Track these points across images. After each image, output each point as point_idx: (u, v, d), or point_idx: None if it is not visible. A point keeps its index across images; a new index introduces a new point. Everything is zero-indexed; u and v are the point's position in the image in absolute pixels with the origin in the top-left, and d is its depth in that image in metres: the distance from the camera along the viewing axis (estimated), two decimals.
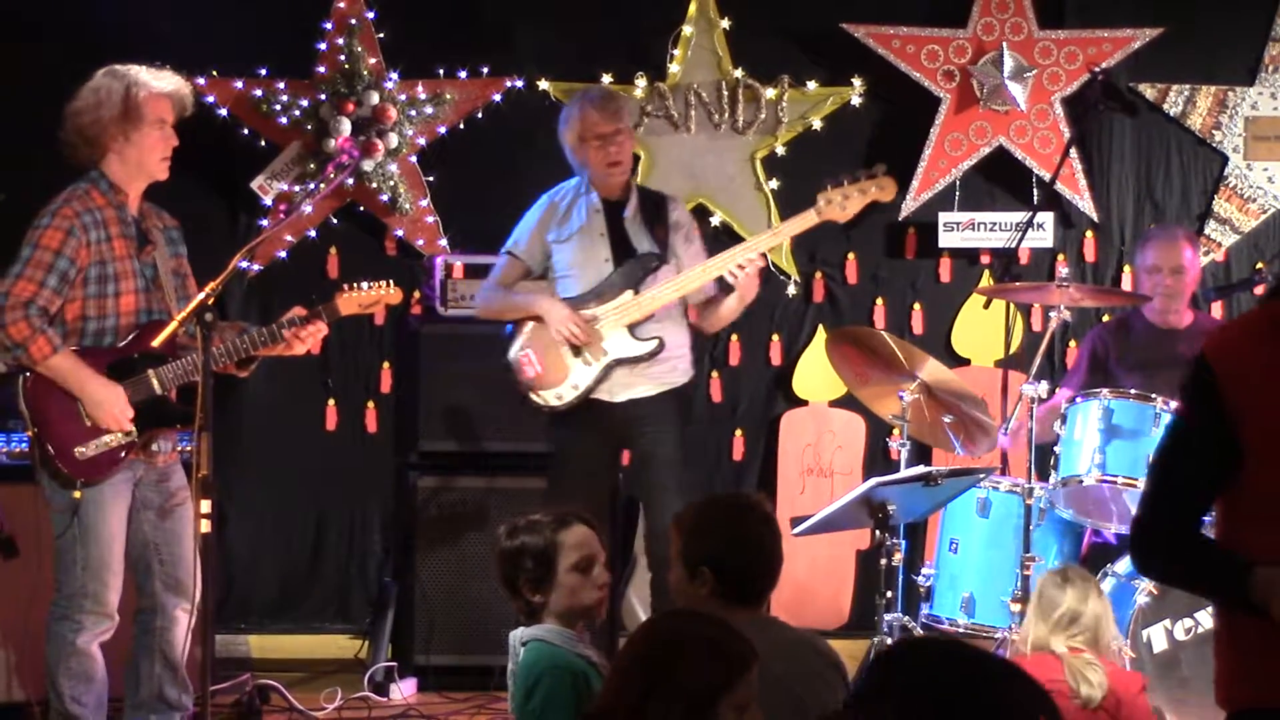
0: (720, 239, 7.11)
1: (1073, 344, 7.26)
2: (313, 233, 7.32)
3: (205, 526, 4.83)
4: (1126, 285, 7.26)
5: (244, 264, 6.91)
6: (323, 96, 7.17)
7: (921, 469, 5.60)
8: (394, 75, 7.24)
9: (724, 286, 6.00)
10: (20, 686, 6.00)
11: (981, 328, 7.36)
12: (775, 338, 7.50)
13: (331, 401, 7.42)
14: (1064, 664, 4.69)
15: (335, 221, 7.34)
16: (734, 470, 7.45)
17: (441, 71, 7.31)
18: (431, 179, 7.33)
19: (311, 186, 7.11)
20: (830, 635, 6.21)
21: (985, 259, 7.46)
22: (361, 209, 7.34)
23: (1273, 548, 3.07)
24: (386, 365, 7.43)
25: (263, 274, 7.30)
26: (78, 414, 5.21)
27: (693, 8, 7.37)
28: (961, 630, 5.97)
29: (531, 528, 3.96)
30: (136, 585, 5.38)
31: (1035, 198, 7.28)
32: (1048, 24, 7.36)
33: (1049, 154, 7.26)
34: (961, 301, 7.45)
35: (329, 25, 7.23)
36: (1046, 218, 7.29)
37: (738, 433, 7.49)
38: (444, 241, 7.29)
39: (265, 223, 7.19)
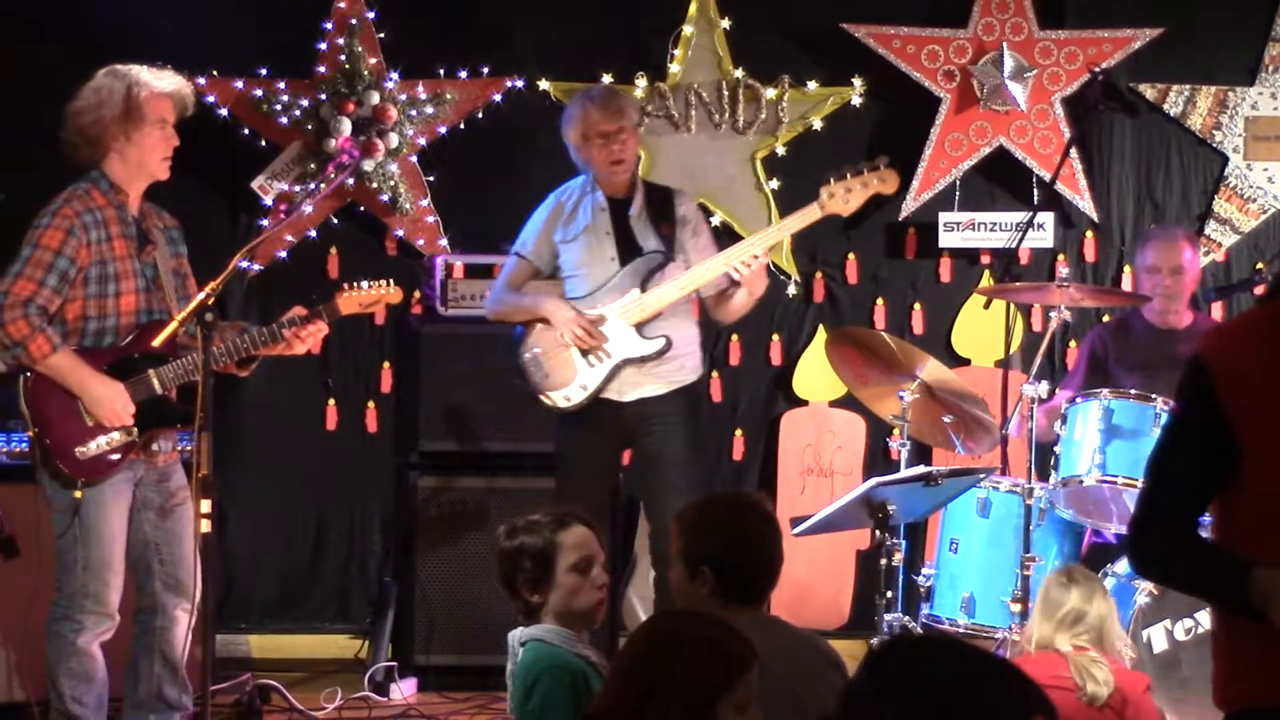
0: (721, 239, 7.07)
1: (1073, 344, 7.27)
2: (313, 233, 7.32)
3: (205, 526, 4.83)
4: (1127, 285, 7.26)
5: (244, 264, 6.91)
6: (323, 96, 7.18)
7: (921, 469, 5.60)
8: (394, 75, 7.24)
9: (732, 281, 5.98)
10: (21, 686, 6.00)
11: (982, 328, 7.36)
12: (775, 338, 7.50)
13: (332, 401, 7.42)
14: (1069, 662, 4.69)
15: (336, 221, 7.34)
16: (734, 470, 7.45)
17: (442, 71, 7.31)
18: (432, 179, 7.33)
19: (312, 186, 7.11)
20: (830, 635, 6.21)
21: (985, 259, 7.47)
22: (362, 209, 7.34)
23: (1270, 548, 3.07)
24: (387, 365, 7.44)
25: (263, 274, 7.30)
26: (78, 413, 5.21)
27: (693, 8, 7.37)
28: (961, 630, 5.97)
29: (530, 528, 3.96)
30: (137, 585, 5.38)
31: (1035, 198, 7.28)
32: (1048, 24, 7.36)
33: (1049, 154, 7.26)
34: (962, 301, 7.45)
35: (329, 25, 7.23)
36: (1047, 218, 7.29)
37: (738, 433, 7.49)
38: (444, 241, 7.29)
39: (266, 222, 7.19)
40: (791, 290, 7.43)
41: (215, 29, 7.22)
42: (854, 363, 6.16)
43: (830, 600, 7.30)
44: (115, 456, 5.24)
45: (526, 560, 3.92)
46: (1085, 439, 5.92)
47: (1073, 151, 7.17)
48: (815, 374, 7.41)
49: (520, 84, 7.33)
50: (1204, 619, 5.49)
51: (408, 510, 6.87)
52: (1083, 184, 7.37)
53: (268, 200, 7.23)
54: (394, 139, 7.19)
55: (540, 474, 6.64)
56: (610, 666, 3.33)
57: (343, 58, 7.19)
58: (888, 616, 5.64)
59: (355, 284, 5.52)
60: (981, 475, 5.86)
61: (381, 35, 7.25)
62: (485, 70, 7.31)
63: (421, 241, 7.30)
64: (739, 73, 7.37)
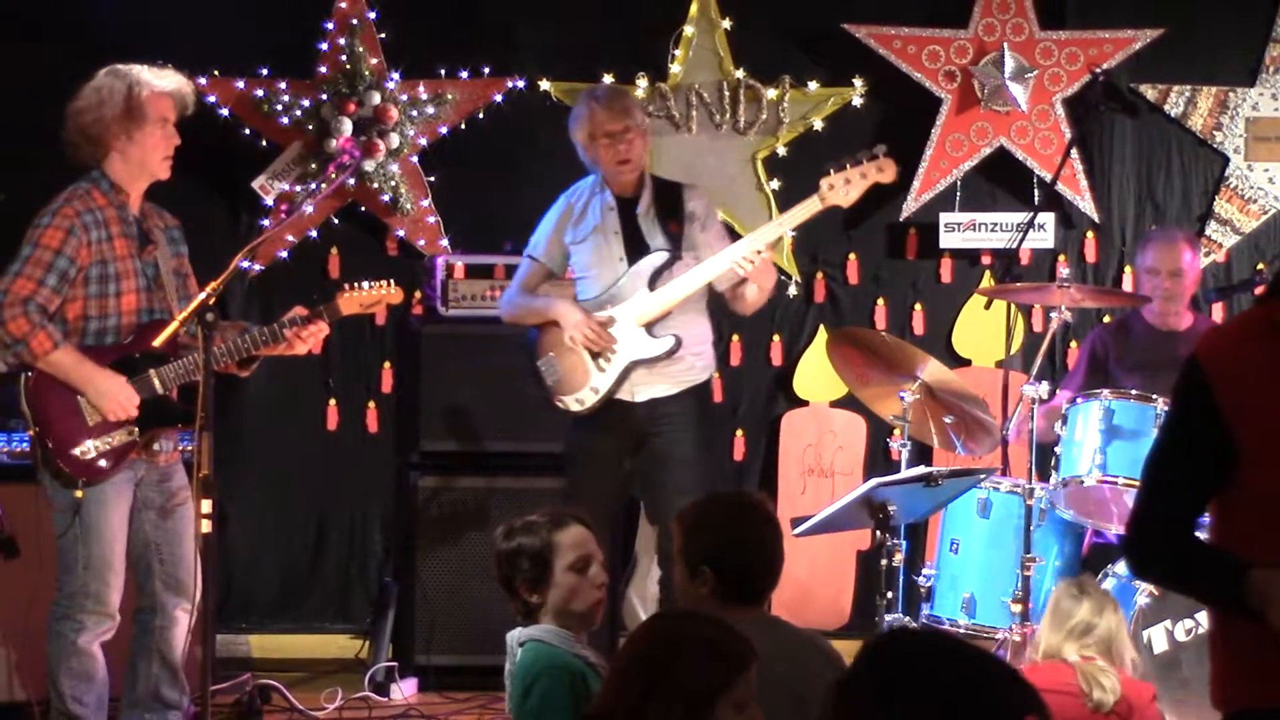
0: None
1: (1074, 345, 7.27)
2: (314, 233, 7.32)
3: (206, 526, 4.83)
4: (1127, 286, 7.26)
5: (245, 264, 6.91)
6: (324, 96, 7.18)
7: (922, 469, 5.60)
8: (395, 75, 7.24)
9: (741, 278, 5.96)
10: (21, 686, 6.00)
11: (982, 328, 7.35)
12: (776, 338, 7.50)
13: (332, 401, 7.42)
14: (1076, 670, 4.69)
15: (336, 222, 7.34)
16: (735, 470, 7.45)
17: (443, 71, 7.31)
18: (433, 179, 7.33)
19: (313, 186, 7.11)
20: (831, 636, 6.19)
21: (986, 259, 7.47)
22: (363, 209, 7.34)
23: (1268, 548, 3.07)
24: (387, 365, 7.44)
25: (264, 274, 7.30)
26: (79, 413, 5.21)
27: (694, 8, 7.37)
28: (962, 631, 5.97)
29: (528, 529, 3.96)
30: (137, 585, 5.38)
31: (1036, 198, 7.28)
32: (1049, 25, 7.36)
33: (1050, 155, 7.26)
34: (962, 302, 7.45)
35: (330, 25, 7.23)
36: (1047, 218, 7.29)
37: (739, 433, 7.49)
38: (445, 241, 7.29)
39: (266, 223, 7.19)
40: (792, 290, 7.43)
41: (216, 29, 7.22)
42: (855, 363, 6.16)
43: (831, 601, 7.30)
44: (115, 458, 5.24)
45: (524, 561, 3.93)
46: (1086, 439, 5.92)
47: (1073, 152, 7.17)
48: (816, 374, 7.41)
49: (521, 84, 7.33)
50: (1204, 620, 5.49)
51: (408, 510, 6.88)
52: (1083, 184, 7.37)
53: (268, 200, 7.23)
54: (395, 139, 7.19)
55: (541, 474, 6.65)
56: (609, 666, 3.33)
57: (344, 58, 7.19)
58: (888, 617, 5.63)
59: (356, 284, 5.53)
60: (982, 476, 5.86)
61: (383, 35, 7.25)
62: (486, 70, 7.31)
63: (422, 242, 7.30)
64: (740, 73, 7.37)
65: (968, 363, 7.44)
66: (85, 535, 5.21)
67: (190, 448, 5.30)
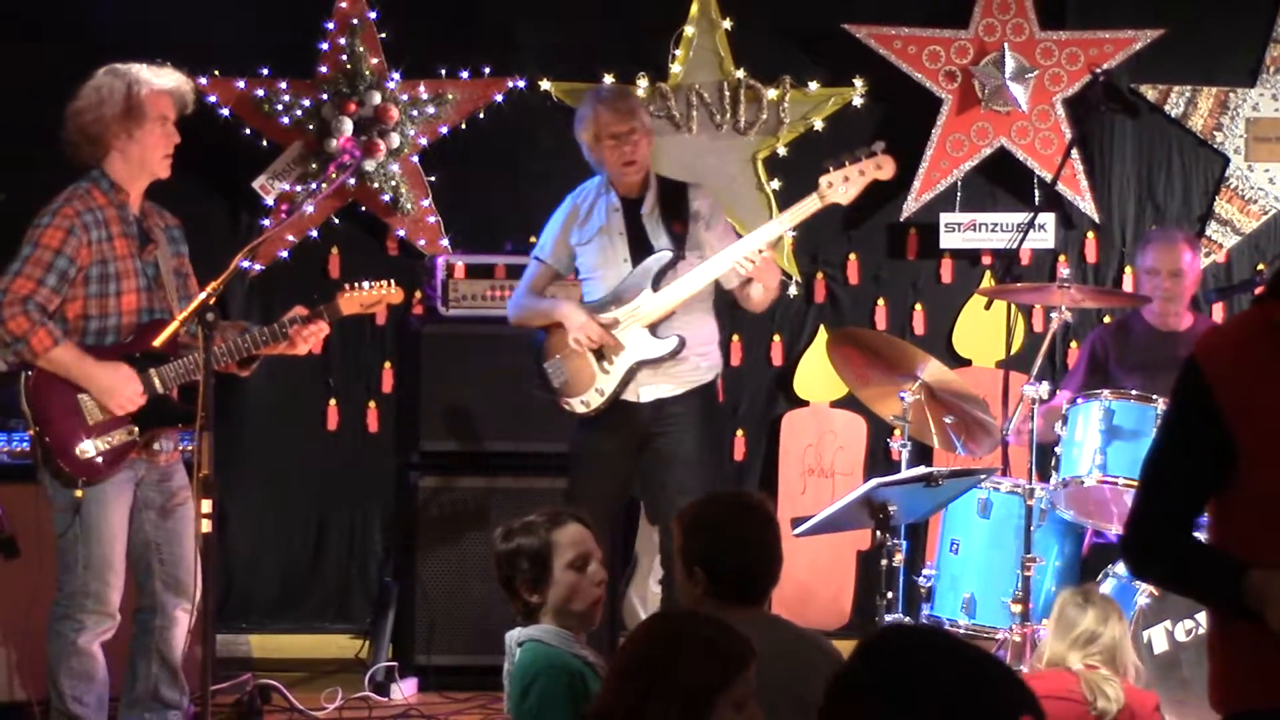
0: None
1: (1074, 345, 7.27)
2: (314, 233, 7.33)
3: (206, 526, 4.83)
4: (1128, 287, 7.26)
5: (245, 264, 6.90)
6: (324, 96, 7.18)
7: (922, 469, 5.60)
8: (396, 75, 7.24)
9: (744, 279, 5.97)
10: (22, 686, 6.00)
11: (983, 328, 7.36)
12: (776, 338, 7.50)
13: (333, 401, 7.42)
14: (1080, 678, 4.69)
15: (337, 221, 7.34)
16: (735, 470, 7.45)
17: (443, 71, 7.31)
18: (433, 179, 7.33)
19: (313, 186, 7.11)
20: (831, 636, 6.18)
21: (986, 260, 7.47)
22: (363, 209, 7.35)
23: (1267, 548, 3.07)
24: (388, 365, 7.44)
25: (264, 274, 7.30)
26: (79, 412, 5.21)
27: (694, 8, 7.37)
28: (962, 631, 5.96)
29: (526, 529, 3.97)
30: (137, 584, 5.38)
31: (1036, 199, 7.28)
32: (1049, 25, 7.36)
33: (1050, 155, 7.26)
34: (963, 302, 7.45)
35: (331, 25, 7.23)
36: (1048, 219, 7.29)
37: (739, 433, 7.49)
38: (445, 241, 7.29)
39: (267, 222, 7.19)
40: (793, 291, 7.43)
41: (216, 29, 7.22)
42: (855, 363, 6.16)
43: (831, 601, 7.30)
44: (116, 458, 5.24)
45: (524, 561, 3.93)
46: (1086, 440, 5.92)
47: (1074, 152, 7.17)
48: (816, 374, 7.41)
49: (522, 84, 7.33)
50: (1204, 620, 5.49)
51: (408, 510, 6.87)
52: (1084, 185, 7.37)
53: (269, 200, 7.23)
54: (395, 139, 7.19)
55: (541, 474, 6.65)
56: (608, 666, 3.33)
57: (344, 58, 7.19)
58: (888, 617, 5.63)
59: (356, 284, 5.53)
60: (982, 476, 5.86)
61: (383, 35, 7.25)
62: (487, 70, 7.31)
63: (423, 241, 7.30)
64: (740, 73, 7.37)
65: (968, 363, 7.44)
66: (85, 535, 5.21)
67: (190, 447, 5.30)
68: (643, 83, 7.32)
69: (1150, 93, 7.42)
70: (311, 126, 7.19)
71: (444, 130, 7.33)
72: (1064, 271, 6.20)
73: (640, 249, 5.96)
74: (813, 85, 7.38)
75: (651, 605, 6.76)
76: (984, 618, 5.99)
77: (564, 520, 3.97)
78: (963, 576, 6.07)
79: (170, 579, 5.35)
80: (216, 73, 7.18)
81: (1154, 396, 5.85)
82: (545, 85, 7.35)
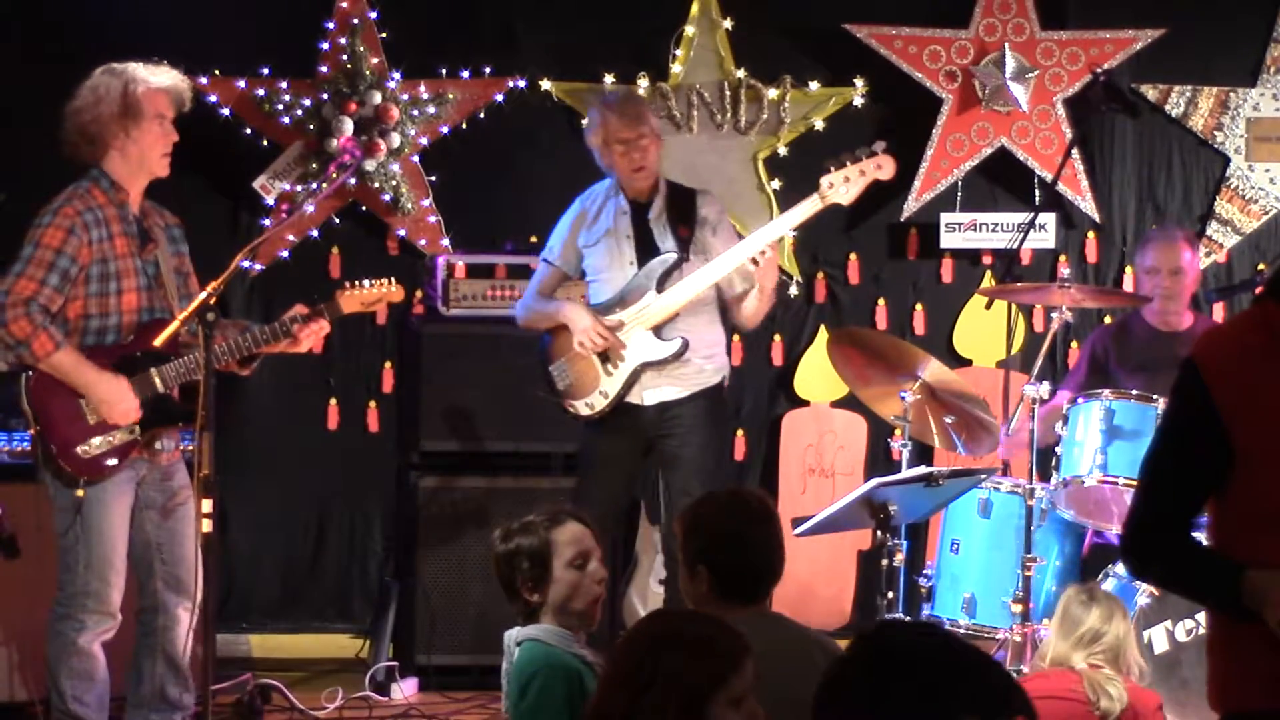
0: None
1: (1074, 345, 7.27)
2: (315, 232, 7.33)
3: (207, 526, 4.83)
4: (1128, 287, 7.26)
5: (246, 264, 6.91)
6: (325, 96, 7.18)
7: (923, 469, 5.60)
8: (396, 75, 7.24)
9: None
10: (22, 685, 6.00)
11: (983, 328, 7.36)
12: (777, 338, 7.51)
13: (333, 401, 7.42)
14: (1083, 678, 4.68)
15: (337, 221, 7.34)
16: (735, 470, 7.44)
17: (444, 71, 7.31)
18: (434, 179, 7.33)
19: (314, 186, 7.11)
20: (832, 635, 6.20)
21: (987, 260, 7.47)
22: (364, 209, 7.35)
23: (1266, 550, 3.07)
24: (388, 365, 7.44)
25: (265, 274, 7.30)
26: (81, 412, 5.21)
27: (695, 8, 7.37)
28: (963, 631, 5.96)
29: (525, 529, 3.97)
30: (138, 584, 5.38)
31: (1037, 198, 7.28)
32: (1050, 25, 7.36)
33: (1051, 155, 7.26)
34: (963, 302, 7.45)
35: (331, 25, 7.23)
36: (1048, 218, 7.29)
37: (739, 433, 7.49)
38: (446, 241, 7.29)
39: (267, 222, 7.19)
40: (793, 291, 7.43)
41: (217, 28, 7.22)
42: (855, 363, 6.16)
43: (831, 600, 7.30)
44: (117, 457, 5.24)
45: (524, 560, 3.93)
46: (1087, 440, 5.92)
47: (1074, 152, 7.17)
48: (817, 374, 7.41)
49: (522, 84, 7.33)
50: (1204, 620, 5.49)
51: (409, 510, 6.87)
52: (1084, 185, 7.37)
53: (269, 200, 7.23)
54: (396, 139, 7.19)
55: (542, 474, 6.65)
56: (604, 667, 3.34)
57: (345, 57, 7.19)
58: (889, 617, 5.63)
59: (357, 282, 5.53)
60: (983, 476, 5.86)
61: (383, 35, 7.25)
62: (487, 70, 7.31)
63: (423, 241, 7.30)
64: (741, 73, 7.37)
65: (968, 363, 7.44)
66: (86, 534, 5.21)
67: (191, 447, 5.29)
68: (643, 83, 7.32)
69: (1151, 92, 7.42)
70: (312, 126, 7.18)
71: (445, 130, 7.33)
72: (1064, 271, 6.21)
73: (646, 252, 5.97)
74: (813, 85, 7.38)
75: (652, 605, 6.76)
76: (984, 618, 5.99)
77: (563, 519, 3.98)
78: (963, 576, 6.07)
79: (171, 578, 5.35)
80: (217, 72, 7.18)
81: (1154, 396, 5.84)
82: (546, 85, 7.35)
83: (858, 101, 7.39)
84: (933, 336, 7.42)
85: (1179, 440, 3.21)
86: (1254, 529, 3.12)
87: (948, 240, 7.41)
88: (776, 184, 7.40)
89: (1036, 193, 7.34)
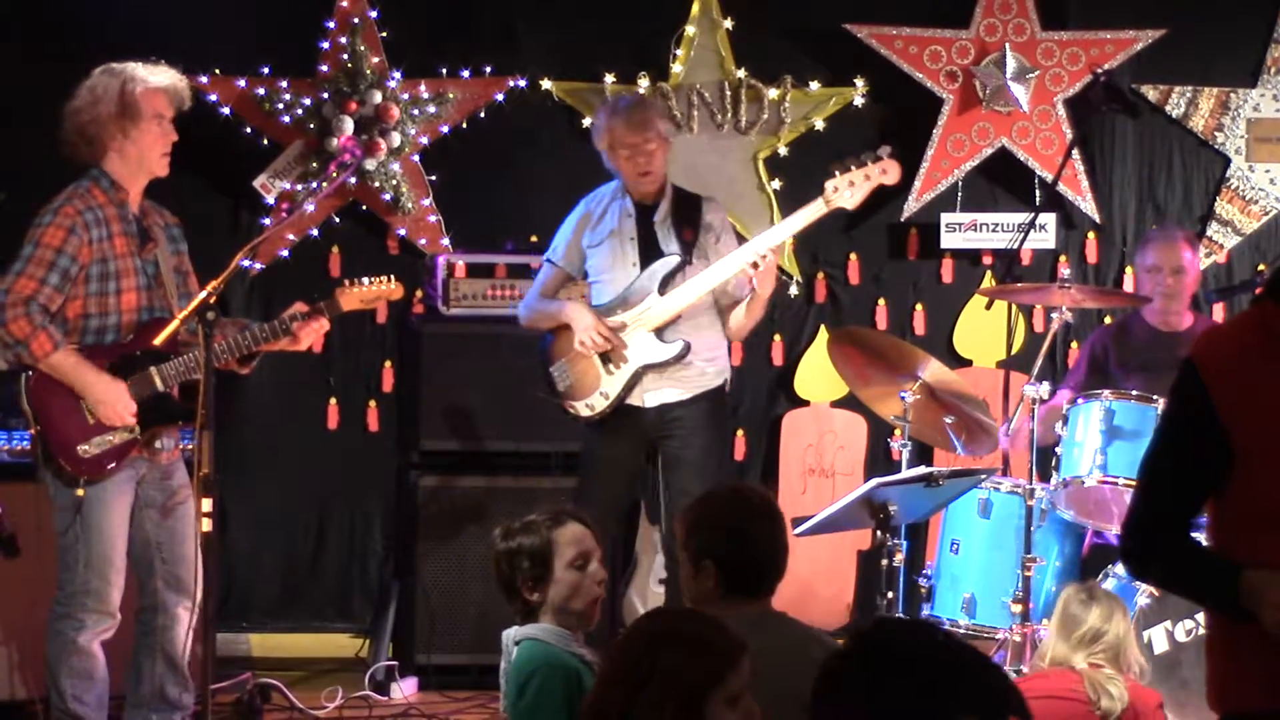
0: None
1: (1074, 345, 7.27)
2: (315, 232, 7.33)
3: (207, 525, 4.83)
4: (1128, 287, 7.26)
5: (246, 263, 6.90)
6: (325, 95, 7.18)
7: (923, 469, 5.59)
8: (397, 74, 7.24)
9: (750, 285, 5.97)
10: (22, 684, 6.00)
11: (983, 329, 7.36)
12: (777, 338, 7.50)
13: (333, 400, 7.42)
14: (1084, 678, 4.67)
15: (338, 220, 7.34)
16: (736, 470, 7.43)
17: (444, 70, 7.31)
18: (434, 178, 7.33)
19: (314, 185, 7.12)
20: (831, 635, 6.21)
21: (987, 260, 7.47)
22: (364, 208, 7.35)
23: (1265, 550, 3.07)
24: (388, 364, 7.44)
25: (265, 273, 7.30)
26: (81, 411, 5.21)
27: (695, 8, 7.37)
28: (962, 631, 5.96)
29: (526, 528, 3.98)
30: (138, 584, 5.38)
31: (1037, 199, 7.28)
32: (1050, 25, 7.36)
33: (1051, 155, 7.26)
34: (963, 302, 7.45)
35: (332, 24, 7.23)
36: (1048, 219, 7.29)
37: (739, 433, 7.49)
38: (446, 241, 7.29)
39: (268, 221, 7.19)
40: (793, 291, 7.43)
41: (217, 28, 7.22)
42: (855, 363, 6.16)
43: (831, 600, 7.29)
44: (117, 457, 5.24)
45: (525, 560, 3.93)
46: (1087, 440, 5.92)
47: (1075, 152, 7.17)
48: (817, 374, 7.41)
49: (523, 83, 7.33)
50: (1204, 620, 5.49)
51: (409, 509, 6.87)
52: (1084, 185, 7.37)
53: (270, 199, 7.23)
54: (396, 138, 7.19)
55: (541, 473, 6.65)
56: (600, 667, 3.34)
57: (345, 56, 7.19)
58: (886, 614, 5.63)
59: (356, 280, 5.54)
60: (982, 476, 5.85)
61: (384, 34, 7.25)
62: (488, 70, 7.31)
63: (423, 241, 7.30)
64: (741, 73, 7.37)
65: (969, 363, 7.44)
66: (86, 534, 5.21)
67: (191, 446, 5.29)
68: (644, 82, 7.32)
69: (1151, 93, 7.42)
70: (312, 125, 7.19)
71: (445, 129, 7.33)
72: (1065, 272, 6.21)
73: (650, 254, 5.97)
74: (814, 85, 7.38)
75: (652, 605, 6.76)
76: (984, 618, 5.98)
77: (564, 520, 3.98)
78: (963, 576, 6.07)
79: (171, 578, 5.35)
80: (217, 71, 7.18)
81: (1154, 397, 5.84)
82: (546, 85, 7.35)
83: (858, 102, 7.39)
84: (933, 337, 7.42)
85: (1178, 441, 3.21)
86: (1253, 529, 3.12)
87: (948, 240, 7.41)
88: (777, 184, 7.40)
89: (1037, 193, 7.34)
